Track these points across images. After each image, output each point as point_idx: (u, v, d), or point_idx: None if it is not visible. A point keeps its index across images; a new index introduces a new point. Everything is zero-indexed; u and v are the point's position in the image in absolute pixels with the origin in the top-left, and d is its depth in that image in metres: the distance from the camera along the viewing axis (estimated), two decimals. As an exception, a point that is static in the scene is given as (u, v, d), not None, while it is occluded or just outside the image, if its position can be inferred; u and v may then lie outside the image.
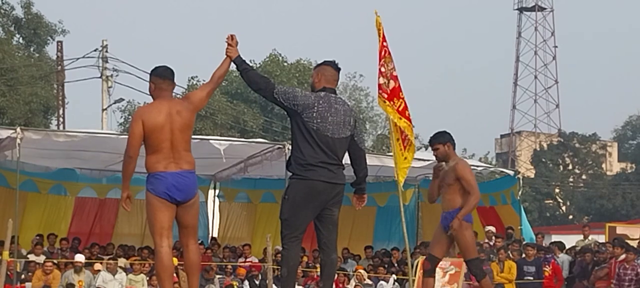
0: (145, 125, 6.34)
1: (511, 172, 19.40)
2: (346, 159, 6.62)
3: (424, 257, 8.76)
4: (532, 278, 15.72)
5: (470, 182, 8.21)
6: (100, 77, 28.40)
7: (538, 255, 16.10)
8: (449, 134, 8.51)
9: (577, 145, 56.04)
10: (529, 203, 48.78)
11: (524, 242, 17.21)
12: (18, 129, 14.59)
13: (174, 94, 6.64)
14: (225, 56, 6.60)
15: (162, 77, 6.52)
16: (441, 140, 8.42)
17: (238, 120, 37.52)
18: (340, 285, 15.95)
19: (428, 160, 18.67)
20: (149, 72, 6.65)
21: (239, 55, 6.58)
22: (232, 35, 6.60)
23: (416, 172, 18.99)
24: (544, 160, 55.77)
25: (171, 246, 6.54)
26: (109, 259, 15.91)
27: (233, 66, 6.64)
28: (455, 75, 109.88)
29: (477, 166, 22.05)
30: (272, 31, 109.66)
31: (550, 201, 55.38)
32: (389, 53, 12.08)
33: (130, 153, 6.40)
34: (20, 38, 35.91)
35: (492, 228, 17.65)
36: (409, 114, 12.11)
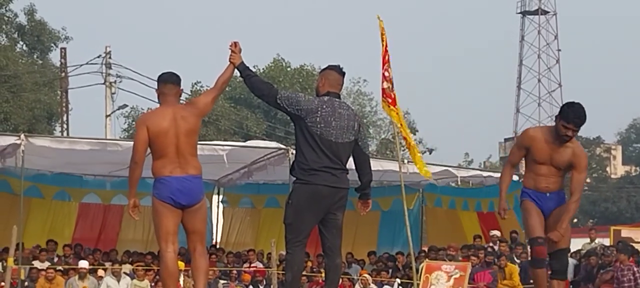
0: (150, 131, 6.36)
1: (515, 177, 19.35)
2: (350, 164, 6.62)
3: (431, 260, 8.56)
4: (537, 281, 15.66)
5: None
6: (104, 84, 28.44)
7: (543, 259, 16.06)
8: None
9: (581, 148, 55.82)
10: (533, 206, 48.60)
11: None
12: (22, 136, 14.64)
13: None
14: (229, 63, 6.62)
15: (165, 81, 6.56)
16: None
17: (241, 126, 37.55)
18: (345, 290, 15.92)
19: (431, 164, 18.68)
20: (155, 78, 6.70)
21: (242, 62, 6.59)
22: (235, 43, 6.63)
23: (419, 177, 18.97)
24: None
25: (177, 251, 6.55)
26: (112, 265, 15.91)
27: (236, 72, 6.66)
28: (458, 79, 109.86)
29: (482, 173, 22.06)
30: (276, 36, 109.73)
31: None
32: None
33: (136, 159, 6.40)
34: (24, 45, 35.99)
35: (497, 233, 17.63)
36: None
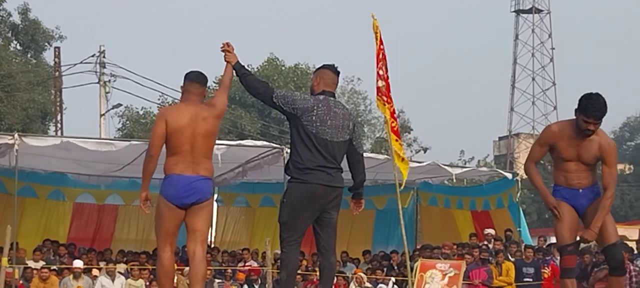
0: (168, 126, 6.30)
1: (510, 175, 19.43)
2: (344, 163, 6.61)
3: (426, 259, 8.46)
4: (531, 279, 15.73)
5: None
6: (98, 83, 28.38)
7: (537, 257, 16.12)
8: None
9: (575, 146, 55.86)
10: (528, 205, 48.77)
11: (523, 244, 17.25)
12: (16, 135, 14.60)
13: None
14: (226, 63, 6.62)
15: (190, 80, 6.51)
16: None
17: (236, 125, 37.53)
18: (340, 289, 15.93)
19: (426, 164, 18.70)
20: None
21: (238, 61, 6.62)
22: (227, 43, 6.64)
23: (415, 175, 19.00)
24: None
25: (174, 252, 6.53)
26: (106, 265, 15.89)
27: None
28: (453, 78, 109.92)
29: (479, 171, 22.10)
30: (270, 35, 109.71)
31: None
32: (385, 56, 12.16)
33: (152, 152, 6.33)
34: (18, 44, 35.95)
35: (491, 231, 17.67)
36: (394, 124, 12.26)
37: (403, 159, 12.54)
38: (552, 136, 6.81)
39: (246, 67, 6.69)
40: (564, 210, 6.79)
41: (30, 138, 15.48)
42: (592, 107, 6.51)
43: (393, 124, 12.25)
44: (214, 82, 30.40)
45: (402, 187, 12.42)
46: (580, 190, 6.80)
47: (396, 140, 12.22)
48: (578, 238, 6.81)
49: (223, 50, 6.63)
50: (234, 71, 6.64)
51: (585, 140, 6.62)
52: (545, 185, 6.97)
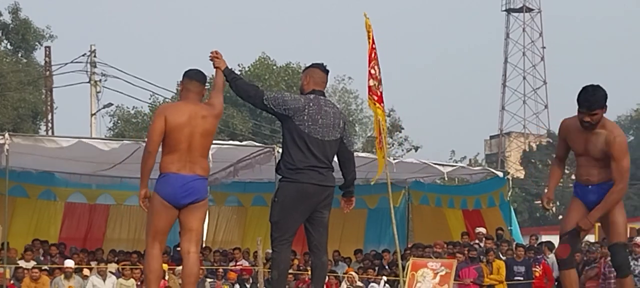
0: (167, 123, 6.25)
1: (500, 173, 19.46)
2: (335, 162, 6.63)
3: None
4: (522, 278, 15.76)
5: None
6: (89, 82, 28.32)
7: (528, 256, 16.15)
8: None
9: (566, 145, 56.02)
10: (519, 204, 48.86)
11: (515, 243, 17.30)
12: (6, 135, 14.57)
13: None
14: (215, 68, 6.63)
15: (190, 78, 6.49)
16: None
17: (227, 124, 37.51)
18: (331, 288, 15.94)
19: (417, 163, 18.73)
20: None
21: (227, 67, 6.63)
22: (215, 51, 6.66)
23: (406, 174, 19.02)
24: (533, 160, 55.90)
25: (162, 250, 6.51)
26: (98, 264, 15.87)
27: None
28: (444, 77, 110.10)
29: (470, 169, 22.12)
30: (261, 34, 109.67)
31: (540, 202, 55.39)
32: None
33: (150, 148, 6.28)
34: (8, 44, 35.88)
35: (482, 230, 17.71)
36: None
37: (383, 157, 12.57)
38: (562, 130, 6.76)
39: (237, 68, 6.70)
40: (573, 206, 6.70)
41: (20, 138, 15.45)
42: (583, 97, 6.43)
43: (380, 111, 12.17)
44: (208, 83, 30.37)
45: (373, 182, 12.64)
46: (589, 187, 6.64)
47: (378, 138, 12.24)
48: (575, 227, 6.63)
49: (211, 58, 6.65)
50: (224, 76, 6.64)
51: (592, 134, 6.49)
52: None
